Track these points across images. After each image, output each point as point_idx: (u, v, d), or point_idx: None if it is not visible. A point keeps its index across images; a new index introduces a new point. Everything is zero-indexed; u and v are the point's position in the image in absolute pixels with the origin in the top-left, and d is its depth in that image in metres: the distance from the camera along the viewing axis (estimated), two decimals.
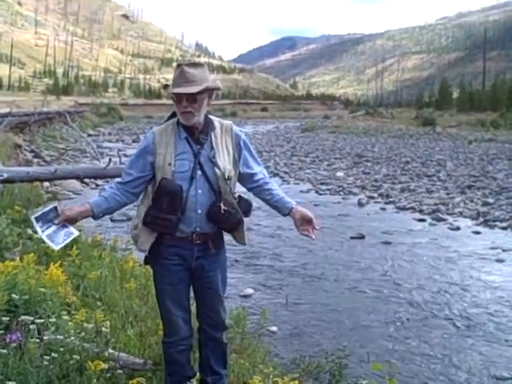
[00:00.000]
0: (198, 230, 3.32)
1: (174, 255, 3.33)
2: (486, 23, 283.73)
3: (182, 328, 3.39)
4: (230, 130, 3.46)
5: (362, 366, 5.55)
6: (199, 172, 3.29)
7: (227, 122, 3.51)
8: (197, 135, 3.33)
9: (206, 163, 3.31)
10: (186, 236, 3.31)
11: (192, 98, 3.24)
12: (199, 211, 3.29)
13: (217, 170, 3.31)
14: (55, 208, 3.30)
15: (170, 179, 3.24)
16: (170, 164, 3.26)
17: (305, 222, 3.33)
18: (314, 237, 3.34)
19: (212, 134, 3.38)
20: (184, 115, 3.27)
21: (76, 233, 3.35)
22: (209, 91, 3.33)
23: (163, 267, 3.36)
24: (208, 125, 3.37)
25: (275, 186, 3.53)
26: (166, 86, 3.42)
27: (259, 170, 3.51)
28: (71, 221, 3.31)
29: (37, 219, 3.20)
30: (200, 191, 3.29)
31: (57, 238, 3.22)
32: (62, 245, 3.26)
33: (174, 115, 3.43)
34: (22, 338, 3.23)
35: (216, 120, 3.43)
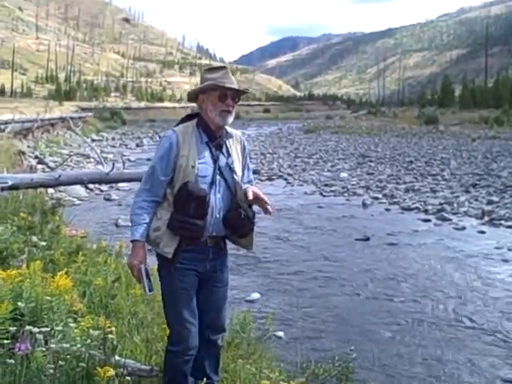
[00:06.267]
0: (214, 233, 3.36)
1: (189, 259, 3.32)
2: (488, 19, 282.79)
3: (193, 336, 3.35)
4: (240, 139, 3.55)
5: (369, 370, 5.55)
6: (218, 177, 3.33)
7: (237, 131, 3.57)
8: (217, 140, 3.38)
9: (225, 169, 3.37)
10: (203, 240, 3.33)
11: (235, 99, 3.36)
12: (217, 216, 3.33)
13: (235, 176, 3.38)
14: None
15: (195, 184, 3.24)
16: (193, 167, 3.26)
17: (251, 200, 3.38)
18: (270, 211, 3.40)
19: (227, 141, 3.44)
20: (224, 114, 3.31)
21: (148, 267, 3.41)
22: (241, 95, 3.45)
23: (177, 271, 3.31)
24: (224, 131, 3.43)
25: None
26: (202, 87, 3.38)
27: (250, 179, 3.62)
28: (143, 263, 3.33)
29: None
30: (219, 196, 3.33)
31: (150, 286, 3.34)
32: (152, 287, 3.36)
33: (187, 118, 3.47)
34: (31, 347, 3.23)
35: (228, 128, 3.46)
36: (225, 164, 3.37)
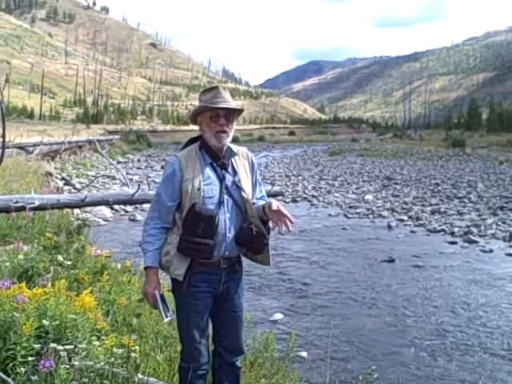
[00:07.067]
0: (226, 254, 3.34)
1: (202, 282, 3.32)
2: None
3: (203, 355, 3.38)
4: (247, 156, 3.53)
5: None
6: (226, 196, 3.32)
7: (243, 148, 3.56)
8: (221, 160, 3.37)
9: (232, 187, 3.35)
10: (215, 261, 3.31)
11: (230, 117, 3.34)
12: (228, 235, 3.31)
13: (243, 193, 3.36)
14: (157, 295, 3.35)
15: (203, 204, 3.25)
16: (199, 189, 3.26)
17: (274, 213, 3.29)
18: (289, 228, 3.28)
19: (232, 159, 3.43)
20: (218, 135, 3.30)
21: (163, 293, 3.41)
22: (238, 114, 3.43)
23: (190, 295, 3.32)
24: (228, 150, 3.42)
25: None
26: (196, 112, 3.42)
27: (263, 195, 3.59)
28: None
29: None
30: (228, 215, 3.32)
31: (167, 311, 3.31)
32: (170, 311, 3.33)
33: (191, 142, 3.48)
34: (55, 365, 3.24)
35: (233, 146, 3.47)
36: (231, 182, 3.36)
